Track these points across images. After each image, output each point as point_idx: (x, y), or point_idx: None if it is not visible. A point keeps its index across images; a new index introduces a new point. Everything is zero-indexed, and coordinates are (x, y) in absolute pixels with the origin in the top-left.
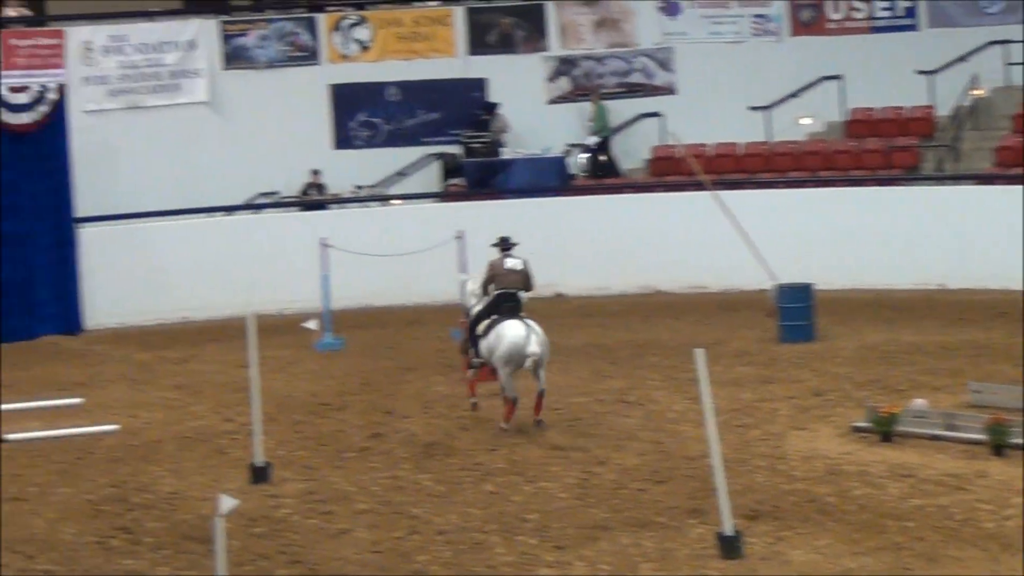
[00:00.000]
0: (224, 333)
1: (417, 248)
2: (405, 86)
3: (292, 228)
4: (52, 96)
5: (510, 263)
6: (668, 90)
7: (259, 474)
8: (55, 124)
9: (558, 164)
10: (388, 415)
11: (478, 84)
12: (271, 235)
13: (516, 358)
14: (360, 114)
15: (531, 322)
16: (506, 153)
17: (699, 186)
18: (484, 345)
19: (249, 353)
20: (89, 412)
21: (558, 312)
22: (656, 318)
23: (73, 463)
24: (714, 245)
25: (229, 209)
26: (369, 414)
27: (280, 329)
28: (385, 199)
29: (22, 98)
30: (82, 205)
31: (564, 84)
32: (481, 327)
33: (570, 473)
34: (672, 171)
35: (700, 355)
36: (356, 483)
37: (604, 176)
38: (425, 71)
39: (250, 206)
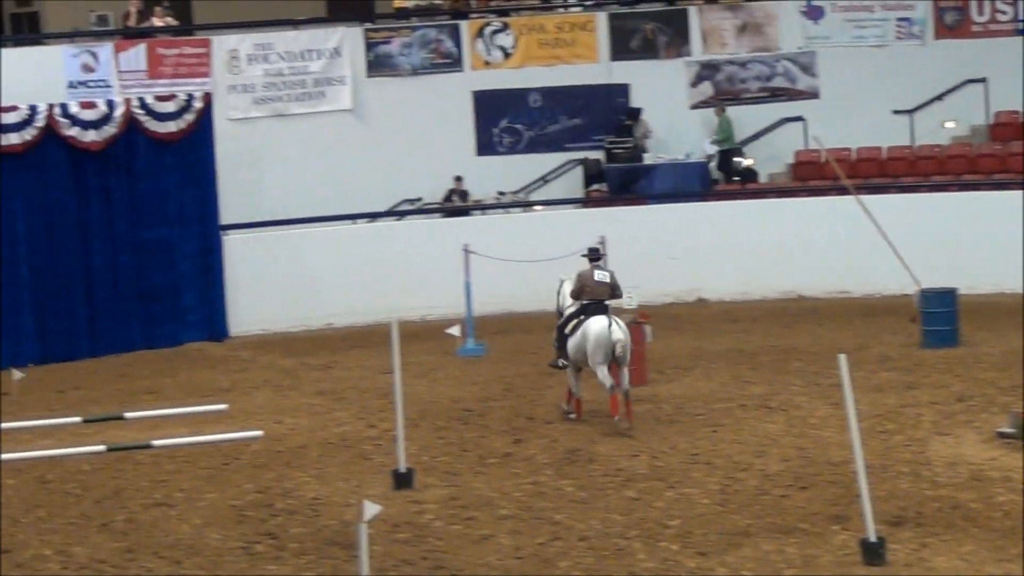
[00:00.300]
0: (367, 339)
1: (559, 254)
2: (547, 92)
3: (435, 235)
4: (198, 104)
5: (599, 275)
6: (811, 94)
7: (402, 480)
8: (201, 132)
9: (700, 169)
10: (530, 421)
11: (621, 90)
12: (414, 242)
13: (604, 346)
14: (503, 120)
15: (616, 319)
16: (648, 158)
17: (842, 190)
18: (571, 343)
19: (392, 359)
20: (234, 418)
21: (700, 317)
22: (798, 323)
23: (219, 469)
24: (857, 250)
25: (373, 216)
26: (511, 420)
27: (423, 335)
28: (527, 205)
29: (168, 107)
30: (227, 212)
31: (706, 89)
32: (569, 327)
33: (712, 479)
34: (815, 175)
35: (843, 360)
36: (498, 489)
37: (742, 182)
38: (567, 77)
39: (393, 213)
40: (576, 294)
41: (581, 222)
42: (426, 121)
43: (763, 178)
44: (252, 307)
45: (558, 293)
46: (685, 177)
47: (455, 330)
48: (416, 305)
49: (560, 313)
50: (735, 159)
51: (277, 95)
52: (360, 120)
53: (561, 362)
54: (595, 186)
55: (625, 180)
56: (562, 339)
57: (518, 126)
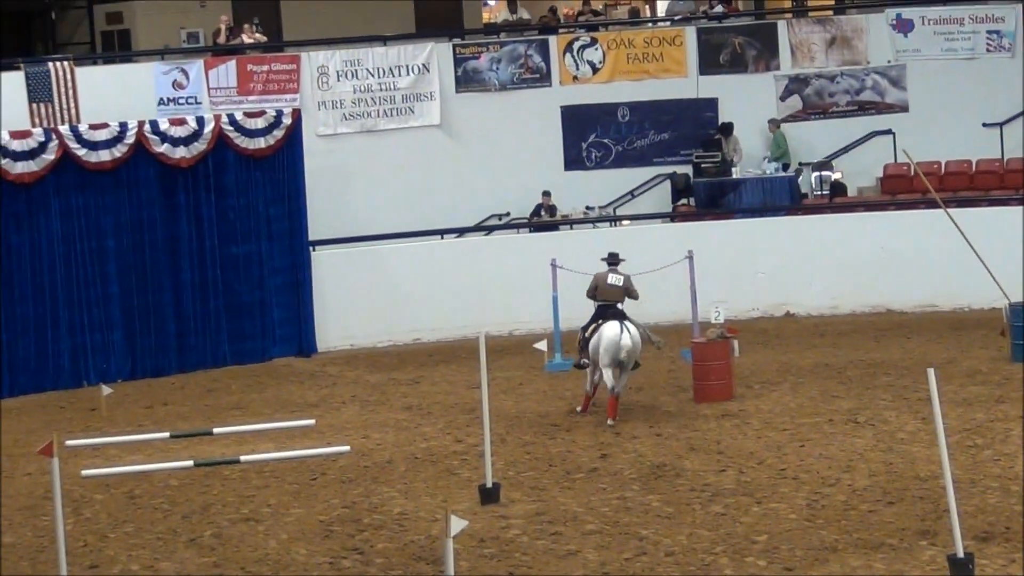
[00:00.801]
0: (454, 354)
1: (647, 268)
2: (636, 107)
3: (523, 249)
4: (287, 121)
5: (612, 279)
6: (900, 108)
7: (488, 495)
8: (290, 148)
9: (789, 183)
10: (616, 436)
11: (709, 104)
12: (502, 257)
13: (613, 351)
14: (591, 135)
15: (629, 325)
16: (736, 172)
17: (931, 204)
18: (591, 345)
19: (480, 374)
20: (321, 433)
21: (788, 332)
22: (887, 337)
23: (306, 484)
24: (946, 263)
25: (461, 231)
26: (597, 435)
27: (510, 350)
28: (615, 220)
29: (258, 123)
30: (316, 228)
31: (795, 103)
32: (589, 331)
33: (799, 494)
34: (904, 189)
35: (932, 374)
36: (584, 504)
37: (831, 196)
38: (656, 91)
39: (481, 228)
40: (591, 294)
41: (669, 237)
42: (514, 136)
43: (852, 192)
44: (340, 322)
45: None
46: (773, 191)
47: (542, 345)
48: (503, 320)
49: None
50: (824, 172)
51: (366, 111)
52: (448, 135)
53: (584, 361)
54: (683, 201)
55: (713, 194)
56: (585, 341)
57: (606, 141)
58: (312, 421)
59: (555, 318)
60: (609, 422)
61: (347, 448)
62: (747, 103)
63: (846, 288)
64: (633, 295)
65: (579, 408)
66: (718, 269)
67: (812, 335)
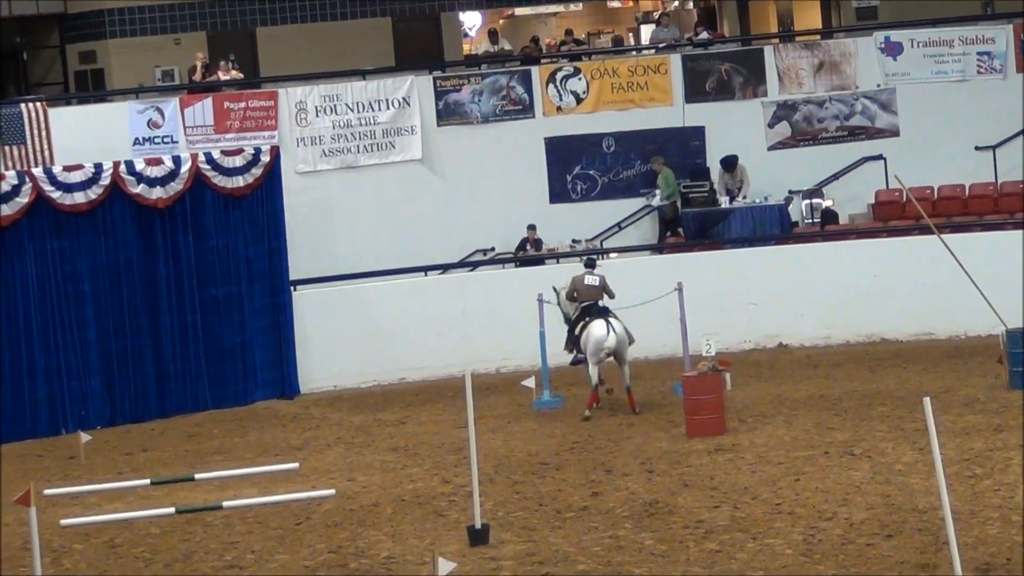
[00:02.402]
0: (440, 393)
1: (636, 301)
2: (621, 136)
3: (509, 285)
4: (265, 158)
5: (589, 280)
6: (891, 132)
7: (477, 536)
8: (269, 186)
9: (779, 212)
10: (608, 473)
11: (696, 132)
12: (487, 292)
13: (599, 348)
14: (576, 167)
15: (614, 321)
16: (724, 201)
17: (924, 230)
18: (582, 343)
19: (467, 412)
20: (305, 477)
21: (781, 363)
22: (882, 367)
23: (291, 529)
24: (941, 290)
25: (445, 267)
26: (588, 473)
27: (497, 388)
28: (602, 253)
29: (236, 161)
30: (296, 267)
31: (784, 129)
32: (578, 329)
33: (795, 529)
34: (896, 215)
35: (928, 404)
36: (576, 544)
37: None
38: (642, 121)
39: (466, 264)
40: (570, 295)
41: (657, 268)
42: (498, 169)
43: (843, 219)
44: (323, 363)
45: (558, 302)
46: (763, 220)
47: (530, 382)
48: (490, 357)
49: (568, 316)
50: (815, 200)
51: (346, 146)
52: (430, 170)
53: (578, 356)
54: (671, 232)
55: (702, 225)
56: (575, 338)
57: (592, 172)
58: (296, 465)
59: (543, 354)
60: (587, 413)
61: (332, 491)
62: (734, 131)
63: (839, 318)
64: (610, 294)
65: (587, 412)
66: (708, 301)
67: (806, 366)
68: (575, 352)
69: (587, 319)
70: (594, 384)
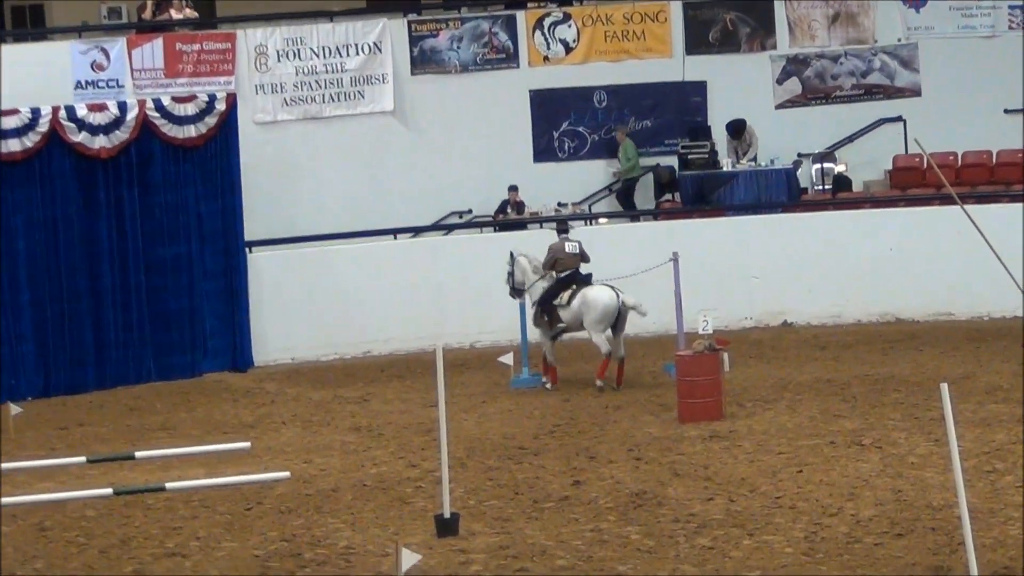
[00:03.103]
0: (409, 369)
1: (627, 272)
2: (614, 91)
3: (487, 251)
4: (220, 107)
5: (569, 247)
6: (912, 92)
7: (446, 526)
8: (224, 138)
9: (786, 177)
10: (591, 460)
11: (697, 88)
12: (463, 259)
13: (612, 314)
14: (564, 123)
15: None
16: (727, 165)
17: (946, 200)
18: (567, 313)
19: (437, 391)
20: (258, 458)
21: (786, 343)
22: (896, 350)
23: (240, 514)
24: (963, 266)
25: (417, 230)
26: (570, 459)
27: (472, 364)
28: (591, 218)
29: (188, 109)
30: (253, 227)
31: (794, 86)
32: (564, 298)
33: (797, 525)
34: (916, 183)
35: (945, 390)
36: (554, 537)
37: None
38: (637, 74)
39: (440, 227)
40: (550, 264)
41: (651, 236)
42: (477, 124)
43: (857, 186)
44: (280, 333)
45: (510, 271)
46: (768, 186)
47: (508, 358)
48: (465, 330)
49: (517, 289)
50: (826, 165)
51: (310, 95)
52: (403, 123)
53: (560, 326)
54: (667, 196)
55: (700, 189)
56: (551, 311)
57: (581, 129)
58: (247, 444)
59: (522, 328)
60: (601, 383)
61: (287, 474)
62: (740, 87)
63: (851, 294)
64: (586, 258)
65: (548, 383)
66: (706, 273)
67: (812, 347)
68: (554, 324)
69: (574, 287)
70: (606, 351)
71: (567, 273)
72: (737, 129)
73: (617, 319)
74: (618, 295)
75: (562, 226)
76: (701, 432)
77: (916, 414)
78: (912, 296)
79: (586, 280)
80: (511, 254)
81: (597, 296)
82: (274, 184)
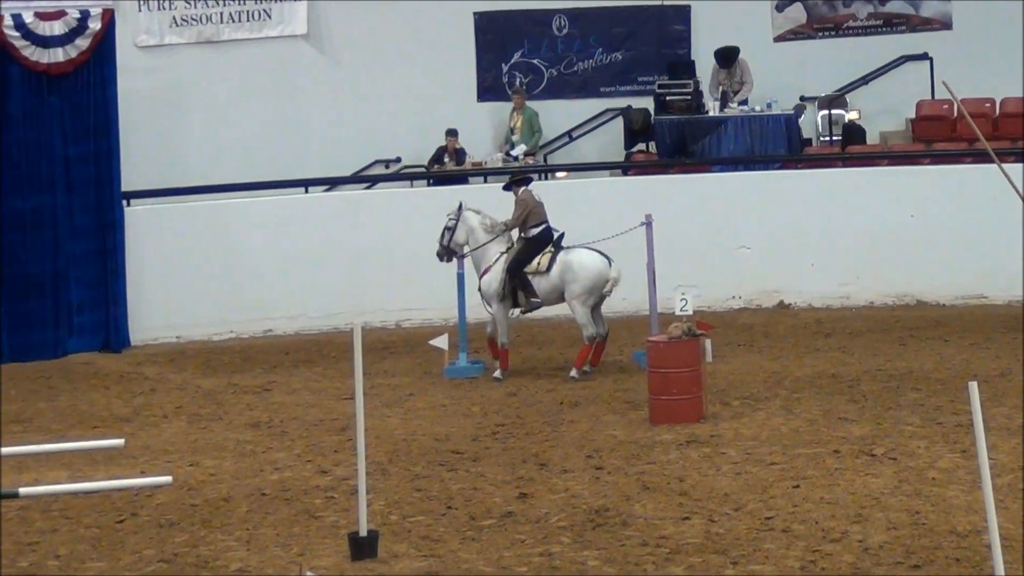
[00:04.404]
0: (320, 352)
1: (590, 238)
2: (578, 15)
3: (419, 209)
4: (95, 25)
5: (537, 196)
6: (940, 23)
7: (362, 547)
8: (99, 64)
9: (786, 125)
10: (542, 468)
11: (679, 13)
12: (389, 219)
13: (601, 285)
14: (515, 53)
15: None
16: (714, 108)
17: (981, 156)
18: (546, 283)
19: (355, 380)
20: (134, 459)
21: (782, 329)
22: (917, 339)
23: (110, 528)
24: (999, 239)
25: (333, 183)
26: (515, 467)
27: (397, 348)
28: (547, 171)
29: (55, 28)
30: (132, 175)
31: (797, 14)
32: (541, 263)
33: (791, 553)
34: (943, 135)
35: (975, 390)
36: (494, 562)
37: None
38: None
39: (362, 179)
40: (521, 220)
41: (620, 194)
42: (409, 53)
43: (873, 138)
44: (162, 306)
45: (450, 226)
46: (764, 136)
47: (441, 341)
48: (389, 306)
49: (450, 251)
50: (835, 111)
51: (205, 13)
52: (318, 50)
53: (534, 301)
54: (640, 146)
55: (681, 138)
56: (524, 281)
57: (536, 62)
58: (121, 441)
59: (460, 305)
60: (582, 371)
61: (168, 479)
62: (731, 13)
63: (862, 270)
64: None
65: (498, 372)
66: (686, 241)
67: (814, 334)
68: (527, 298)
69: (552, 251)
70: (590, 335)
71: (539, 230)
72: (726, 57)
73: (607, 289)
74: (610, 261)
75: (522, 177)
76: (676, 436)
77: (939, 419)
78: (937, 274)
79: (559, 241)
80: (460, 205)
81: (586, 262)
82: (159, 123)
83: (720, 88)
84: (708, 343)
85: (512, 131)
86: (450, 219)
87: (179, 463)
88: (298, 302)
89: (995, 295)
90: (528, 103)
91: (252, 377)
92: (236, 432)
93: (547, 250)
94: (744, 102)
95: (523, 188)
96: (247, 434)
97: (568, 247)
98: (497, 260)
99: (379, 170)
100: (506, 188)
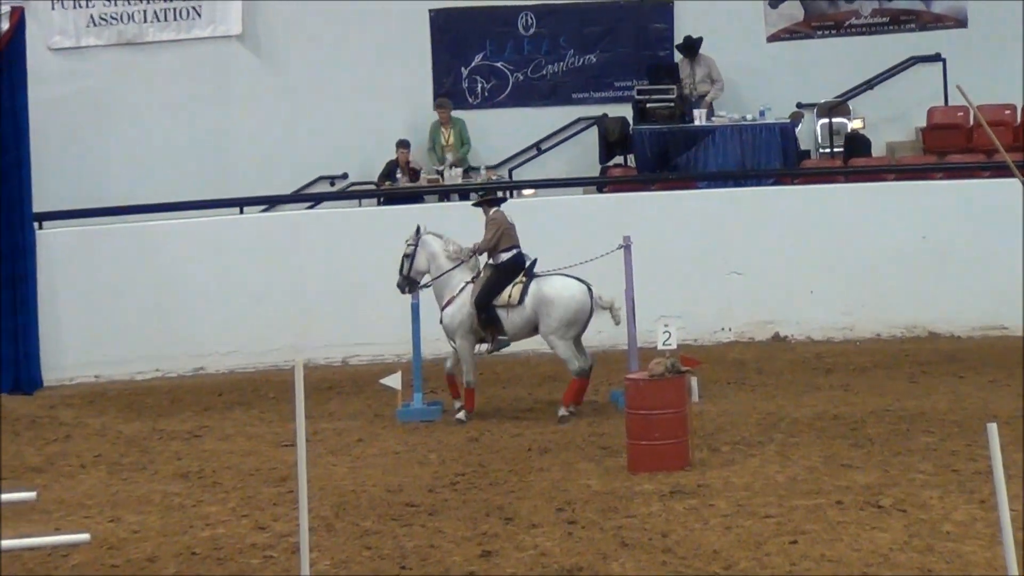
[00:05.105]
0: (257, 392)
1: (561, 263)
2: (547, 12)
3: (368, 231)
4: (3, 25)
5: (509, 217)
6: (954, 21)
7: None
8: (6, 69)
9: (781, 135)
10: (507, 523)
11: (661, 10)
12: (335, 242)
13: (582, 318)
14: (476, 55)
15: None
16: (700, 117)
17: (1000, 169)
18: (518, 317)
19: (296, 424)
20: (48, 513)
21: (777, 364)
22: (929, 375)
23: None
24: (1019, 262)
25: (272, 202)
26: (478, 521)
27: (344, 387)
28: (512, 188)
29: None
30: (45, 195)
31: (793, 11)
32: (512, 295)
33: None
34: (958, 146)
35: (994, 433)
36: None
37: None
38: None
39: (303, 198)
40: (494, 245)
41: (595, 214)
42: (357, 56)
43: (879, 149)
44: (80, 342)
45: (409, 253)
46: (757, 147)
47: (394, 380)
48: (335, 341)
49: (412, 281)
50: (836, 120)
51: (126, 12)
52: (254, 53)
53: (502, 339)
54: (617, 159)
55: (663, 150)
56: (491, 314)
57: (500, 65)
58: (32, 494)
59: (415, 338)
60: (569, 410)
61: (86, 536)
62: (717, 11)
63: (867, 298)
64: None
65: (461, 413)
66: (670, 266)
67: (813, 370)
68: (497, 333)
69: (524, 279)
70: (578, 368)
71: (509, 256)
72: (689, 47)
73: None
74: (589, 289)
75: (492, 196)
76: (659, 486)
77: (954, 465)
78: (951, 302)
79: (532, 267)
80: (417, 229)
81: (563, 291)
82: (75, 135)
83: (691, 85)
84: (694, 381)
85: (444, 148)
86: (409, 245)
87: (98, 519)
88: (233, 336)
89: (1016, 326)
90: (486, 110)
91: (181, 421)
92: (162, 483)
93: (518, 279)
94: (711, 112)
95: (494, 208)
96: (175, 486)
97: (541, 275)
98: (462, 290)
99: (323, 187)
100: (476, 205)
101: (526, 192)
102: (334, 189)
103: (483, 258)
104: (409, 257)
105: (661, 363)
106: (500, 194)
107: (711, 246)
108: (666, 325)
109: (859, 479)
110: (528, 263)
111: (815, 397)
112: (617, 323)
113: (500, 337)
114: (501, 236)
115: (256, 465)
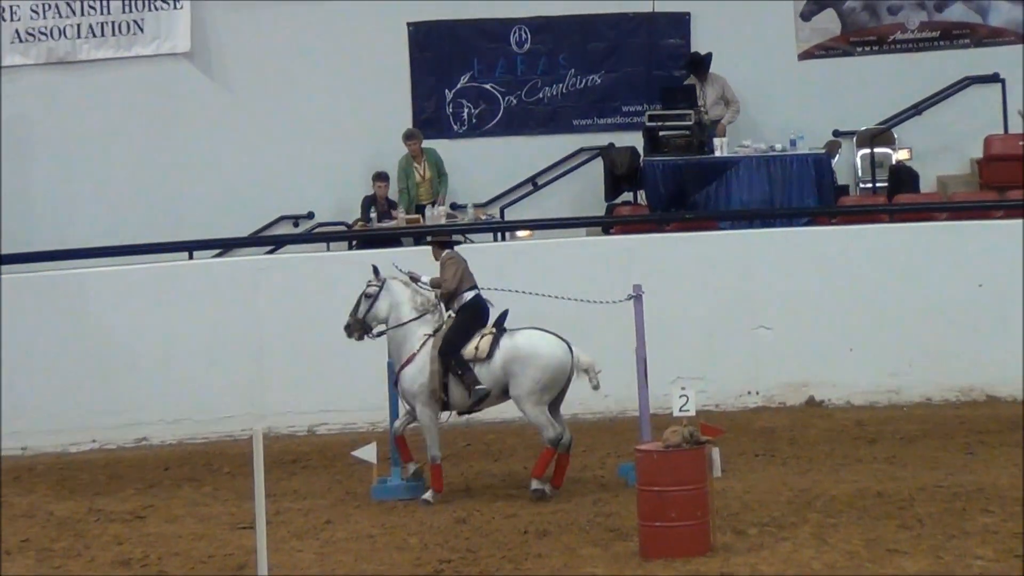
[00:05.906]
0: (209, 467)
1: (562, 314)
2: (543, 26)
3: (338, 278)
4: None
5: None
6: (1014, 35)
7: None
8: None
9: (815, 168)
10: None
11: (675, 23)
12: (300, 292)
13: (560, 378)
14: (462, 76)
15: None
16: (722, 147)
17: None
18: (486, 374)
19: (255, 503)
20: None
21: (812, 434)
22: (987, 446)
23: None
24: None
25: (227, 245)
26: None
27: (311, 460)
28: (505, 229)
29: None
30: None
31: (828, 24)
32: (480, 348)
33: None
34: (1017, 180)
35: None
36: None
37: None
38: (580, 3)
39: (264, 240)
40: (455, 288)
41: (600, 259)
42: (323, 77)
43: (928, 184)
44: (10, 406)
45: (369, 293)
46: (788, 182)
47: (368, 452)
48: (299, 407)
49: (364, 325)
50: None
51: (57, 27)
52: (206, 73)
53: (480, 388)
54: (626, 196)
55: (680, 186)
56: (463, 366)
57: (490, 87)
58: None
59: (392, 404)
60: (543, 486)
61: None
62: (741, 23)
63: (915, 356)
64: None
65: (430, 494)
66: (688, 319)
67: (854, 440)
68: (468, 386)
69: (494, 331)
70: (551, 437)
71: (472, 296)
72: (697, 63)
73: (567, 381)
74: (570, 347)
75: (444, 238)
76: (676, 574)
77: (1017, 550)
78: (1012, 361)
79: (501, 319)
80: (375, 270)
81: (540, 347)
82: (7, 167)
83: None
84: (716, 452)
85: (419, 185)
86: (371, 285)
87: None
88: (181, 402)
89: None
90: (474, 139)
91: (121, 500)
92: (100, 572)
93: (486, 331)
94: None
95: (446, 251)
96: (114, 574)
97: (513, 329)
98: (423, 346)
99: (286, 229)
100: (428, 243)
101: (521, 233)
102: (298, 231)
103: (443, 309)
104: (370, 298)
105: (677, 432)
106: (454, 236)
107: (735, 296)
108: (683, 388)
109: (908, 566)
110: (499, 315)
111: (856, 471)
112: (595, 387)
113: (477, 387)
114: (464, 279)
115: (209, 551)
